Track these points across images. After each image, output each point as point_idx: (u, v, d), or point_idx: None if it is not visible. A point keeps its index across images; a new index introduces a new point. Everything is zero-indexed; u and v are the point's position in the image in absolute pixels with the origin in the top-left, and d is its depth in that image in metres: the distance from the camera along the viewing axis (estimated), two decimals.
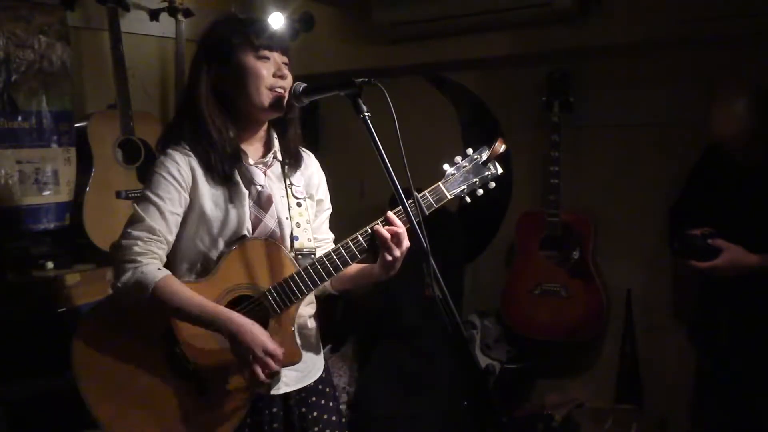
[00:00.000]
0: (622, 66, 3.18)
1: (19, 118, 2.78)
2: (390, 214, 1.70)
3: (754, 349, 2.41)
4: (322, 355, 1.97)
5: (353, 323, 3.51)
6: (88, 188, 2.83)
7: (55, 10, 2.86)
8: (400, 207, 1.62)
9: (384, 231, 1.68)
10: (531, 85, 3.31)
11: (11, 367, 2.55)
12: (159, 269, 1.66)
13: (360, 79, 1.55)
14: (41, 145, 2.85)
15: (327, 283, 1.85)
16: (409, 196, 1.61)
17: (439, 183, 1.77)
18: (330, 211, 1.98)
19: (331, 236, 1.97)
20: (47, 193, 2.87)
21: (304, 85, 1.73)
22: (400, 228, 1.69)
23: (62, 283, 2.78)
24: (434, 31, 3.32)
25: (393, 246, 1.68)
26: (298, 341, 1.77)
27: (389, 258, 1.70)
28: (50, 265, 2.82)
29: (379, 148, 1.52)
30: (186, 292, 1.65)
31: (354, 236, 1.73)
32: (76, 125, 2.93)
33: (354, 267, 1.81)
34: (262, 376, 1.64)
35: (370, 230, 1.71)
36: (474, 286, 3.71)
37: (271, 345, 1.63)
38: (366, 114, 1.56)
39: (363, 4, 3.41)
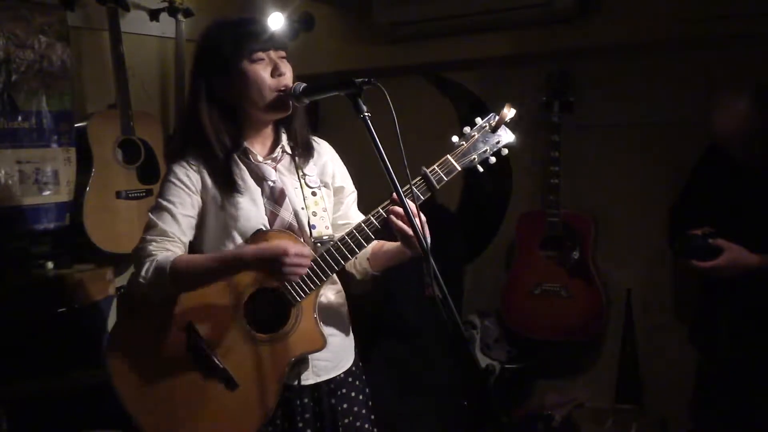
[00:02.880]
0: (622, 66, 3.18)
1: (19, 118, 2.78)
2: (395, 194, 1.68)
3: (754, 349, 2.41)
4: (352, 347, 1.99)
5: (353, 323, 3.51)
6: (88, 188, 2.83)
7: (55, 10, 2.86)
8: (409, 187, 1.65)
9: (395, 209, 1.67)
10: (531, 85, 3.31)
11: (11, 367, 2.55)
12: (172, 253, 1.71)
13: (360, 79, 1.55)
14: (41, 145, 2.85)
15: (367, 265, 1.90)
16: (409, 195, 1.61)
17: (448, 155, 1.75)
18: (355, 194, 1.98)
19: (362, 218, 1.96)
20: (47, 193, 2.87)
21: (304, 85, 1.73)
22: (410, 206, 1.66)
23: (62, 283, 2.78)
24: (434, 31, 3.32)
25: (403, 225, 1.66)
26: (322, 329, 1.78)
27: (405, 234, 1.68)
28: (50, 265, 2.82)
29: (379, 148, 1.52)
30: (200, 257, 1.73)
31: (366, 218, 1.74)
32: (76, 125, 2.93)
33: (388, 245, 1.83)
34: (300, 272, 1.64)
35: (382, 210, 1.71)
36: (474, 286, 3.71)
37: (288, 244, 1.63)
38: (366, 114, 1.56)
39: (363, 4, 3.41)
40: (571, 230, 3.16)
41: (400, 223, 1.67)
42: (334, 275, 1.85)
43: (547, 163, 3.12)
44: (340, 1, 3.65)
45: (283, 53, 1.78)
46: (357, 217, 1.94)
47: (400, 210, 1.65)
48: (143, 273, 1.69)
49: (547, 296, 3.22)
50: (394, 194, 1.64)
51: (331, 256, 1.74)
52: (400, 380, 3.27)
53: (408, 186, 1.65)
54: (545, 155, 3.14)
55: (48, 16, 2.83)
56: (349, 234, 1.74)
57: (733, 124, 2.33)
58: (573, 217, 3.17)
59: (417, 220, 1.58)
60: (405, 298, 3.40)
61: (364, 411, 1.94)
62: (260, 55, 1.74)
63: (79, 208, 2.83)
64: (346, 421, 1.88)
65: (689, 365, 2.76)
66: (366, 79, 1.55)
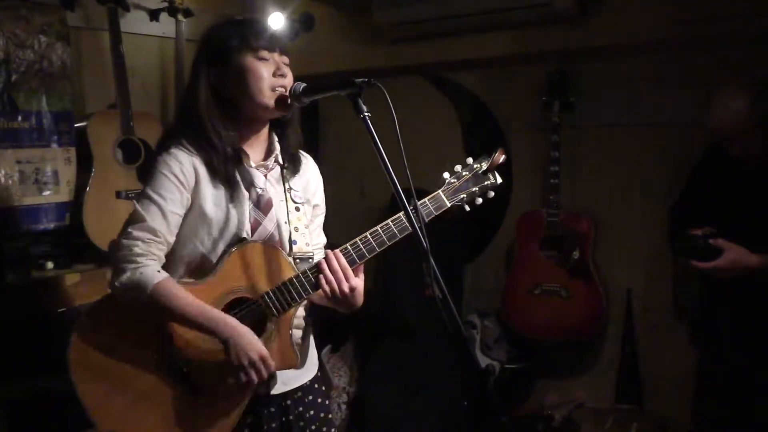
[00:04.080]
0: (622, 66, 3.18)
1: (19, 118, 2.78)
2: (330, 253, 1.70)
3: (754, 349, 2.41)
4: (315, 353, 1.97)
5: (353, 323, 3.51)
6: (88, 188, 2.83)
7: (55, 10, 2.86)
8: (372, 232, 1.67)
9: (323, 266, 1.69)
10: (531, 85, 3.31)
11: (11, 367, 2.55)
12: (158, 271, 1.66)
13: (360, 79, 1.54)
14: (41, 145, 2.85)
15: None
16: (409, 196, 1.61)
17: (439, 191, 1.77)
18: (323, 215, 1.97)
19: (324, 240, 1.96)
20: (47, 193, 2.87)
21: (304, 85, 1.72)
22: (344, 269, 1.69)
23: (62, 283, 2.78)
24: (434, 31, 3.32)
25: (326, 287, 1.69)
26: (295, 345, 1.76)
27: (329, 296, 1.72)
28: (50, 265, 2.82)
29: (379, 148, 1.52)
30: (183, 295, 1.65)
31: (353, 241, 1.73)
32: (76, 125, 2.93)
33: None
34: (254, 380, 1.66)
35: (369, 236, 1.71)
36: (474, 286, 3.71)
37: (264, 351, 1.66)
38: (366, 114, 1.55)
39: (363, 4, 3.40)
40: (571, 230, 3.17)
41: (323, 282, 1.69)
42: None
43: (547, 163, 3.12)
44: (340, 1, 3.65)
45: (286, 59, 1.77)
46: (319, 239, 1.94)
47: (330, 267, 1.68)
48: (123, 279, 1.64)
49: (547, 296, 3.22)
50: (323, 261, 1.69)
51: (314, 275, 1.71)
52: (400, 380, 3.27)
53: (397, 216, 1.68)
54: (545, 155, 3.14)
55: (48, 16, 2.83)
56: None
57: (731, 119, 2.34)
58: (573, 217, 3.18)
59: (354, 281, 1.68)
60: (405, 299, 3.40)
61: (330, 416, 1.95)
62: (265, 54, 1.73)
63: (79, 208, 2.83)
64: (314, 427, 1.87)
65: (689, 365, 2.76)
66: (366, 79, 1.54)
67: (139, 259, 1.64)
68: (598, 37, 3.02)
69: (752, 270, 2.32)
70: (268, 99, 1.72)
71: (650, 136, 3.12)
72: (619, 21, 2.95)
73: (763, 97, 2.32)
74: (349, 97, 1.57)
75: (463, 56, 3.37)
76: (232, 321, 1.66)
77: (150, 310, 1.66)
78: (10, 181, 2.76)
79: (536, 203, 3.37)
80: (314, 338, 1.97)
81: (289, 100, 1.73)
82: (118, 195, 2.90)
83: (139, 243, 1.65)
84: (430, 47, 3.41)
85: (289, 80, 1.75)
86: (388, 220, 1.71)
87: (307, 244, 1.82)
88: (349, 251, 1.72)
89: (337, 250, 1.71)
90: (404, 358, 3.32)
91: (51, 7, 2.84)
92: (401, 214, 1.67)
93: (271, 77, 1.73)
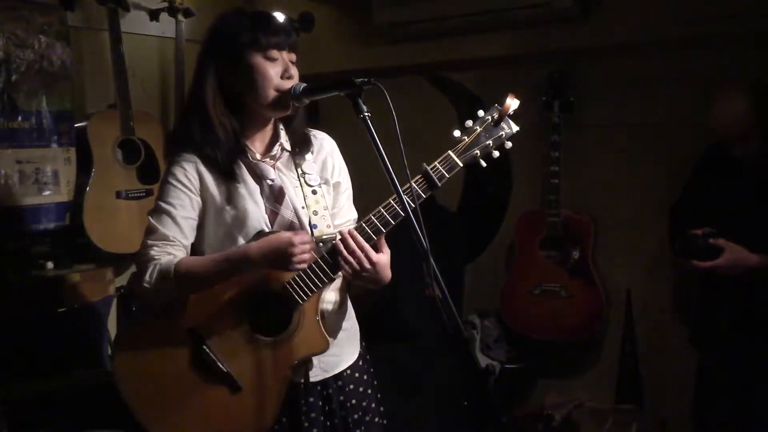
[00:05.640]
0: (622, 66, 3.18)
1: (19, 118, 2.78)
2: (345, 232, 1.67)
3: (754, 349, 2.41)
4: (357, 339, 1.97)
5: None
6: (88, 188, 2.83)
7: (55, 10, 2.86)
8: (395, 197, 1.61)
9: (338, 245, 1.66)
10: (531, 85, 3.31)
11: (11, 367, 2.55)
12: (174, 257, 1.71)
13: (360, 79, 1.54)
14: (41, 145, 2.86)
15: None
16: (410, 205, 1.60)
17: (449, 151, 1.71)
18: (350, 190, 1.95)
19: (354, 216, 1.94)
20: (47, 193, 2.87)
21: (304, 85, 1.72)
22: (361, 247, 1.66)
23: (62, 283, 2.79)
24: (434, 31, 3.32)
25: (343, 262, 1.66)
26: (324, 331, 1.75)
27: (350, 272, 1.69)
28: (50, 265, 2.83)
29: (379, 148, 1.52)
30: (203, 258, 1.72)
31: (367, 217, 1.71)
32: (76, 125, 2.93)
33: None
34: (307, 259, 1.64)
35: (383, 210, 1.68)
36: (474, 286, 3.71)
37: (288, 234, 1.64)
38: (366, 114, 1.55)
39: (363, 4, 3.41)
40: (571, 230, 3.16)
41: (343, 264, 1.67)
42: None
43: (547, 163, 3.12)
44: (340, 1, 3.66)
45: (294, 57, 1.76)
46: (351, 214, 1.93)
47: (347, 248, 1.65)
48: (147, 277, 1.69)
49: (547, 296, 3.22)
50: (339, 242, 1.66)
51: (332, 257, 1.70)
52: (400, 381, 3.27)
53: (408, 185, 1.62)
54: (545, 155, 3.14)
55: (48, 16, 2.84)
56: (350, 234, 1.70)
57: (731, 120, 2.34)
58: (573, 217, 3.17)
59: (376, 255, 1.65)
60: (405, 299, 3.40)
61: (373, 405, 1.93)
62: (274, 53, 1.72)
63: (79, 208, 2.83)
64: (356, 416, 1.87)
65: (689, 365, 2.76)
66: (366, 79, 1.54)
67: (156, 257, 1.71)
68: (599, 37, 3.02)
69: (752, 269, 2.32)
70: (271, 99, 1.73)
71: (650, 136, 3.12)
72: (619, 21, 2.95)
73: (763, 98, 2.32)
74: (349, 97, 1.57)
75: (463, 56, 3.37)
76: (251, 247, 1.66)
77: (181, 297, 1.71)
78: (10, 181, 2.76)
79: (536, 203, 3.37)
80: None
81: (289, 102, 1.73)
82: (118, 195, 2.90)
83: (154, 248, 1.72)
84: (430, 47, 3.41)
85: (294, 81, 1.75)
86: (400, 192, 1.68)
87: (329, 226, 1.80)
88: (364, 228, 1.69)
89: (352, 229, 1.69)
90: (404, 359, 3.31)
91: (51, 7, 2.84)
92: (412, 181, 1.63)
93: (278, 78, 1.72)
